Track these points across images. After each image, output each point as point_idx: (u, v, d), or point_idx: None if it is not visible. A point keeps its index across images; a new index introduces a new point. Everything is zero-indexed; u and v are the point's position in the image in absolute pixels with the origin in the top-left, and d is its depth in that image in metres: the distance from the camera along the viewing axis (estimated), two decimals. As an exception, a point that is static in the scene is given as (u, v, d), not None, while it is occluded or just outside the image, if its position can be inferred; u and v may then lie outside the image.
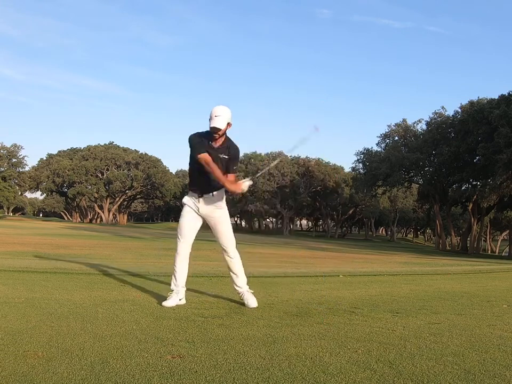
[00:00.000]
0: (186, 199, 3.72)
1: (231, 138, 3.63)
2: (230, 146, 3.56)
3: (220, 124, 3.38)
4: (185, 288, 3.66)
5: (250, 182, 3.62)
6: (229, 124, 3.48)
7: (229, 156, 3.54)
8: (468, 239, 41.90)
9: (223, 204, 3.72)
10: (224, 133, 3.51)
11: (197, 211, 3.67)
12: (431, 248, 48.56)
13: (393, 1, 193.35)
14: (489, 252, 57.18)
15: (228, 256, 3.71)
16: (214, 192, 3.61)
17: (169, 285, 3.68)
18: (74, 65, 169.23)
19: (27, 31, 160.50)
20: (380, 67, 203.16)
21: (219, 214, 3.69)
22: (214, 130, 3.40)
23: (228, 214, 3.79)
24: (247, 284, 3.76)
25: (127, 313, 3.12)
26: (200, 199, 3.63)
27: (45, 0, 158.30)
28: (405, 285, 5.69)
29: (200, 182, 3.61)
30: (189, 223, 3.68)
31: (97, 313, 3.09)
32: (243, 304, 3.64)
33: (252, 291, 3.73)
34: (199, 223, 3.73)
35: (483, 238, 50.59)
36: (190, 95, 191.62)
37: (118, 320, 2.92)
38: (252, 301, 3.63)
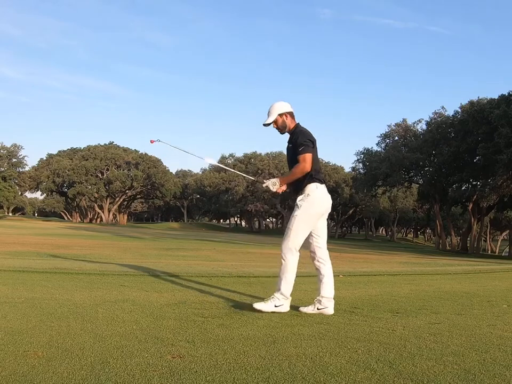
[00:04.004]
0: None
1: (304, 127, 3.67)
2: (293, 133, 3.64)
3: (266, 120, 3.60)
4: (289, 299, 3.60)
5: (269, 182, 3.78)
6: (281, 115, 3.59)
7: (294, 143, 3.61)
8: (468, 239, 41.90)
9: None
10: (282, 126, 3.64)
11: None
12: (431, 248, 48.58)
13: (394, 1, 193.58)
14: (489, 251, 57.19)
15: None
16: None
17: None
18: (75, 65, 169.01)
19: (28, 31, 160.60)
20: (380, 67, 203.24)
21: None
22: (265, 126, 3.63)
23: (299, 210, 3.64)
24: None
25: (127, 313, 3.12)
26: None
27: (45, 0, 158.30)
28: (405, 285, 5.69)
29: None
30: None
31: (97, 313, 3.09)
32: (243, 304, 3.63)
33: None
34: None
35: (483, 238, 50.59)
36: (191, 95, 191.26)
37: (118, 320, 2.92)
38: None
